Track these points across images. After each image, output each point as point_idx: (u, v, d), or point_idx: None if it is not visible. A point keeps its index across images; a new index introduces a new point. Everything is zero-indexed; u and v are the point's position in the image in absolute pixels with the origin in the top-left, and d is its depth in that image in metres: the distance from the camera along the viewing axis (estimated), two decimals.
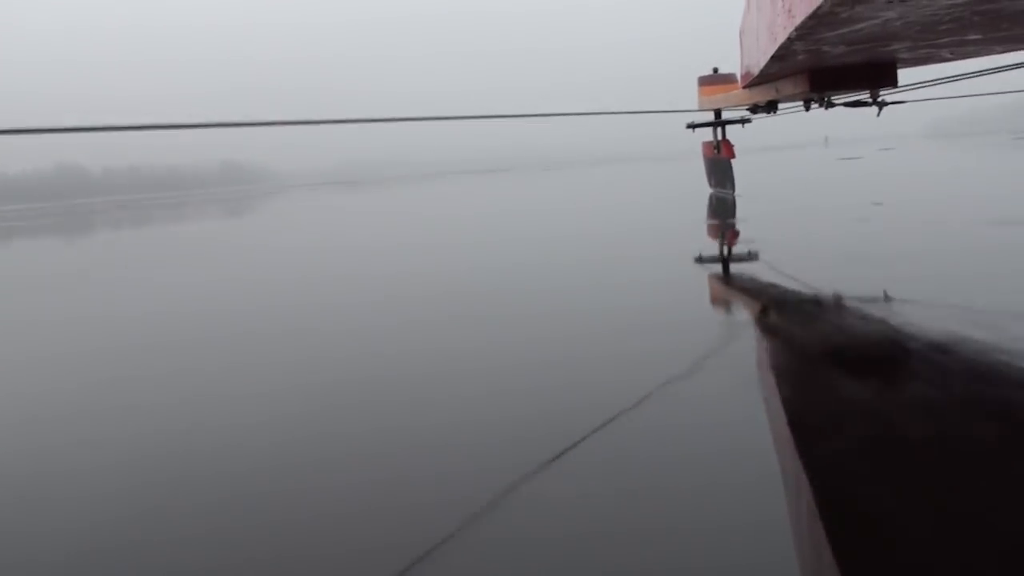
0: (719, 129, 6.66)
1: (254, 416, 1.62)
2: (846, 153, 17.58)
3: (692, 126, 6.85)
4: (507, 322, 2.38)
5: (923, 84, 4.34)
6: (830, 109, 5.09)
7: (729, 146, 6.64)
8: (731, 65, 5.84)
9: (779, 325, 2.14)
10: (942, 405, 1.36)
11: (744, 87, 4.92)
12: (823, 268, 2.88)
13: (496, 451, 1.29)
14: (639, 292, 2.73)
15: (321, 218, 11.36)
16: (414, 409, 1.57)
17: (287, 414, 1.61)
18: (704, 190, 7.48)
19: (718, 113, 6.57)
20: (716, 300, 2.61)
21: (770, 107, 5.42)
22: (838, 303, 2.27)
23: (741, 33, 4.14)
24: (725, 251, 3.71)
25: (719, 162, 6.93)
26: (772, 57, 2.84)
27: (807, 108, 5.17)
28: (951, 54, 3.18)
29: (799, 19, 2.00)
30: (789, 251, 3.48)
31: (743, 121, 6.39)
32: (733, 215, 5.50)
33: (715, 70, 6.53)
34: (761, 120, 6.27)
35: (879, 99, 4.64)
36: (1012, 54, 3.38)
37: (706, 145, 7.13)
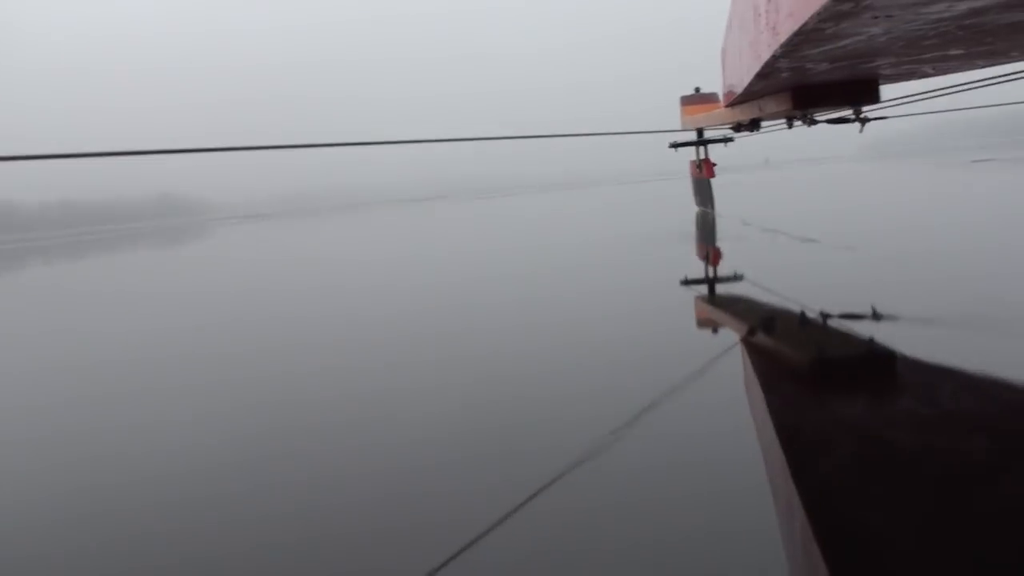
0: (702, 148, 6.69)
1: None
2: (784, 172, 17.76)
3: (675, 145, 6.87)
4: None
5: (904, 99, 4.36)
6: (812, 126, 5.11)
7: (710, 165, 6.67)
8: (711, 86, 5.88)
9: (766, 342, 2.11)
10: (932, 420, 1.34)
11: (727, 106, 4.93)
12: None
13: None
14: (620, 314, 2.70)
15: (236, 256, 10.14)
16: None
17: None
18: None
19: (700, 132, 6.60)
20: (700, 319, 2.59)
21: (753, 125, 5.43)
22: (822, 318, 2.25)
23: (723, 52, 4.14)
24: (710, 272, 3.69)
25: (702, 182, 6.97)
26: (756, 75, 2.83)
27: (790, 126, 5.17)
28: (933, 69, 3.18)
29: (784, 36, 1.99)
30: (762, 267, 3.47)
31: (726, 140, 6.42)
32: (714, 232, 5.52)
33: (697, 90, 6.56)
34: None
35: (861, 115, 4.65)
36: (991, 68, 3.39)
37: (692, 164, 7.17)
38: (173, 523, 1.23)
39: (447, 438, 1.51)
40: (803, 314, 2.39)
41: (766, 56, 2.36)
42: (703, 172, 6.77)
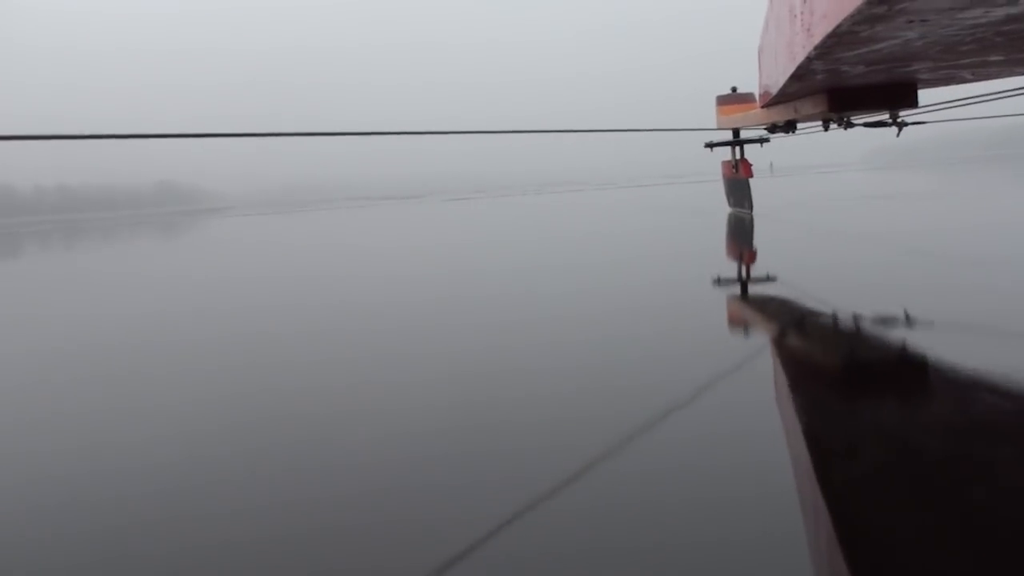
0: (737, 149, 6.64)
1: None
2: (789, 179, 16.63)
3: (710, 145, 6.83)
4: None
5: (943, 105, 4.30)
6: (849, 129, 5.06)
7: (747, 165, 6.61)
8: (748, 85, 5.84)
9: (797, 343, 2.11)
10: (961, 427, 1.34)
11: (763, 106, 4.90)
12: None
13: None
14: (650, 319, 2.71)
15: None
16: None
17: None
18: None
19: (736, 132, 6.55)
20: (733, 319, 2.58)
21: (788, 127, 5.38)
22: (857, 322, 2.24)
23: (759, 52, 4.12)
24: (744, 272, 3.68)
25: (738, 182, 6.90)
26: (791, 76, 2.81)
27: (826, 128, 5.13)
28: (972, 75, 3.14)
29: (818, 38, 1.98)
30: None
31: (762, 140, 6.37)
32: (751, 235, 5.47)
33: (733, 89, 6.52)
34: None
35: (899, 119, 4.60)
36: None
37: (725, 164, 7.11)
38: (151, 514, 1.23)
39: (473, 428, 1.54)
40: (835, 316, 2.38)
41: (801, 57, 2.36)
42: (740, 172, 6.72)
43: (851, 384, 1.73)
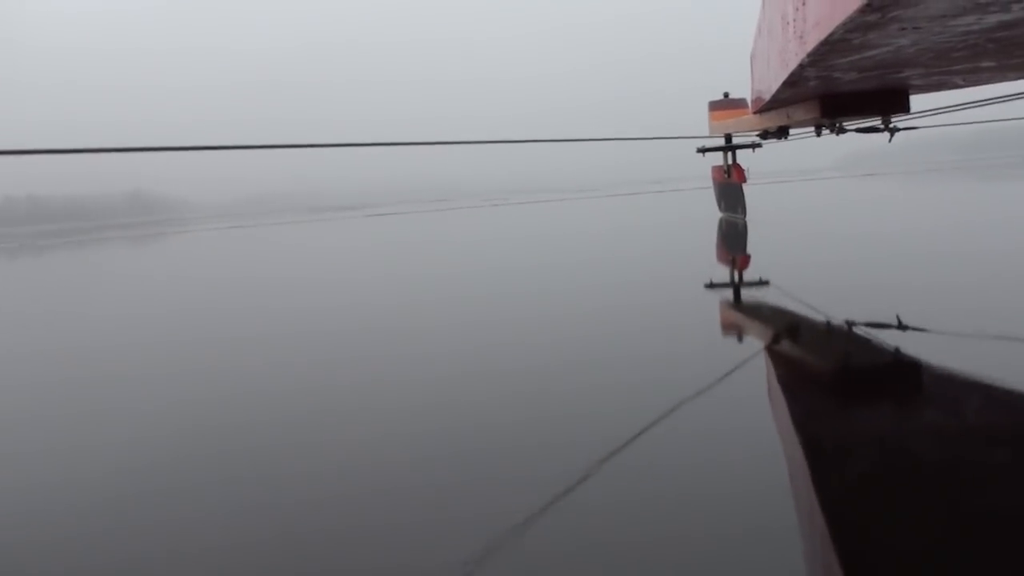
0: (730, 154, 6.65)
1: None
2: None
3: (703, 150, 6.86)
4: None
5: (935, 111, 4.31)
6: (841, 135, 5.07)
7: (740, 171, 6.62)
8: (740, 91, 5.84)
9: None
10: (953, 431, 1.34)
11: (755, 112, 4.91)
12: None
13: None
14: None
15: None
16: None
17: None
18: None
19: (728, 138, 6.56)
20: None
21: (781, 132, 5.39)
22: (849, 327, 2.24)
23: (752, 58, 4.13)
24: (736, 277, 3.68)
25: (730, 187, 6.91)
26: (783, 83, 2.82)
27: (818, 134, 5.14)
28: (963, 81, 3.15)
29: (811, 45, 1.98)
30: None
31: (754, 146, 6.38)
32: (745, 240, 5.47)
33: (726, 95, 6.53)
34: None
35: (891, 125, 4.61)
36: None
37: (715, 169, 7.12)
38: (142, 517, 1.24)
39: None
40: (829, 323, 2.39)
41: (793, 64, 2.36)
42: (732, 177, 6.73)
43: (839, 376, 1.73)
